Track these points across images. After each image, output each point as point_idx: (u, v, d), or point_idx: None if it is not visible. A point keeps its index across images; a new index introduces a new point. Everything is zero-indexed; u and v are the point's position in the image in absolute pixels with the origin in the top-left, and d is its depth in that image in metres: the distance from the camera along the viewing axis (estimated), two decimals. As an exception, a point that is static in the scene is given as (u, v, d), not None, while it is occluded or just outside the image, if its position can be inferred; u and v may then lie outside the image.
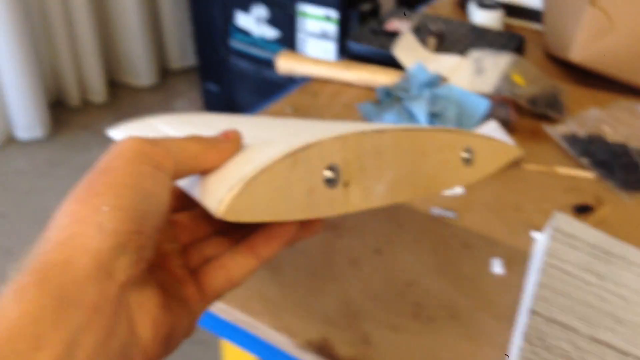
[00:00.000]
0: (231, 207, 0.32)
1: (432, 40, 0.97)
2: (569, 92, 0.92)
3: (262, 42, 2.29)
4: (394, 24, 1.02)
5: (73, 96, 2.59)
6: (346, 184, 0.37)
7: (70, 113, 2.60)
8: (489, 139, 0.47)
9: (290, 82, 2.32)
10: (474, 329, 0.56)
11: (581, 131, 0.81)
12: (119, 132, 0.50)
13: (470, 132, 0.45)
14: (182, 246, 0.38)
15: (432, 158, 0.42)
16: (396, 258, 0.64)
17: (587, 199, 0.73)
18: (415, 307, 0.59)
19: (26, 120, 2.36)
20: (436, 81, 0.86)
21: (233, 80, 2.43)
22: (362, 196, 0.38)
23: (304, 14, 2.13)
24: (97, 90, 2.64)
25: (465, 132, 0.44)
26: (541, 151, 0.81)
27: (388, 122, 0.84)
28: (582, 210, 0.71)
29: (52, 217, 0.30)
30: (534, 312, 0.53)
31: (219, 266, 0.37)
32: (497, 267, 0.63)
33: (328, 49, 2.15)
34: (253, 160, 0.34)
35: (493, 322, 0.57)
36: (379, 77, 0.91)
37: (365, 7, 2.09)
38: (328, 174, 0.35)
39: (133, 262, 0.29)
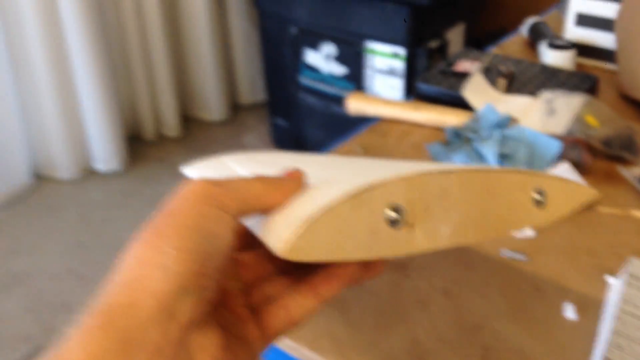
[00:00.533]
0: (293, 246, 0.32)
1: (502, 82, 0.97)
2: (645, 133, 0.90)
3: (331, 79, 2.33)
4: (463, 65, 1.03)
5: (149, 130, 2.70)
6: (410, 225, 0.37)
7: (145, 146, 2.71)
8: (562, 180, 0.46)
9: (359, 119, 2.35)
10: (546, 377, 0.56)
11: (658, 174, 0.79)
12: (192, 170, 0.52)
13: (542, 173, 0.45)
14: (245, 285, 0.39)
15: (501, 199, 0.42)
16: (464, 300, 0.64)
17: (665, 245, 0.71)
18: (484, 351, 0.58)
19: (105, 153, 2.48)
20: (506, 122, 0.86)
21: (301, 115, 2.48)
22: (427, 237, 0.38)
23: (372, 51, 2.16)
24: (172, 125, 2.75)
25: (537, 173, 0.44)
26: (616, 194, 0.80)
27: (457, 163, 0.84)
28: (659, 256, 0.69)
29: (120, 257, 0.31)
30: None
31: (280, 306, 0.37)
32: (570, 312, 0.62)
33: (395, 86, 2.17)
34: (316, 200, 0.35)
35: (565, 370, 0.56)
36: (448, 117, 0.91)
37: (433, 44, 2.11)
38: (391, 214, 0.36)
39: (195, 304, 0.30)
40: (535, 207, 0.44)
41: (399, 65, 2.13)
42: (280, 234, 0.34)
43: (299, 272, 0.40)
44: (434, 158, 0.87)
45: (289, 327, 0.38)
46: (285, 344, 0.61)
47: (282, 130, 2.60)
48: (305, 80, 2.40)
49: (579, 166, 0.81)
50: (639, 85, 0.92)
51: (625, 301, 0.57)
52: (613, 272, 0.67)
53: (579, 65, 1.13)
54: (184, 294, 0.29)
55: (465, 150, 0.84)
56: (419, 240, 0.37)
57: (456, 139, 0.88)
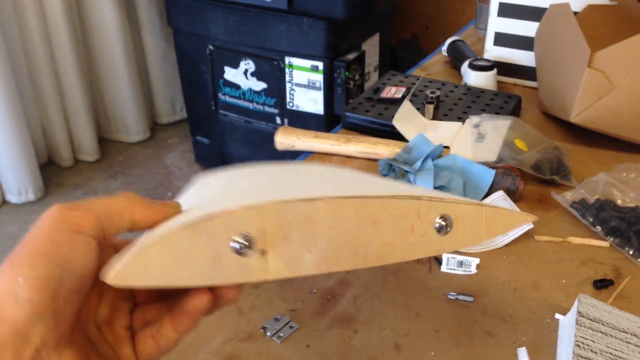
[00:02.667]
0: (118, 273, 0.34)
1: (429, 107, 0.96)
2: (570, 151, 0.91)
3: (251, 95, 2.29)
4: (389, 91, 1.01)
5: (64, 156, 2.57)
6: (263, 252, 0.37)
7: (62, 173, 2.57)
8: (481, 206, 0.44)
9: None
10: None
11: (591, 197, 0.80)
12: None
13: (453, 199, 0.43)
14: (135, 305, 0.41)
15: (385, 226, 0.40)
16: (417, 353, 0.62)
17: (605, 271, 0.72)
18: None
19: (17, 183, 2.34)
20: (439, 152, 0.85)
21: (223, 132, 2.43)
22: (286, 265, 0.38)
23: (291, 66, 2.13)
24: (88, 149, 2.62)
25: (443, 199, 0.42)
26: (552, 220, 0.80)
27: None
28: (601, 286, 0.69)
29: None
30: None
31: (149, 334, 0.39)
32: (523, 357, 0.61)
33: (317, 99, 2.15)
34: (161, 229, 0.36)
35: None
36: (380, 149, 0.90)
37: (350, 56, 2.10)
38: (237, 243, 0.36)
39: (50, 327, 0.32)
40: (438, 233, 0.42)
41: (319, 78, 2.12)
42: (116, 260, 0.34)
43: (173, 299, 0.40)
44: (370, 193, 0.85)
45: (158, 356, 0.39)
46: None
47: (204, 148, 2.54)
48: (225, 97, 2.35)
49: (513, 193, 0.81)
50: (563, 106, 0.93)
51: (579, 345, 0.56)
52: (561, 307, 0.66)
53: (500, 84, 1.14)
54: (38, 319, 0.31)
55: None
56: (275, 267, 0.37)
57: (391, 172, 0.86)
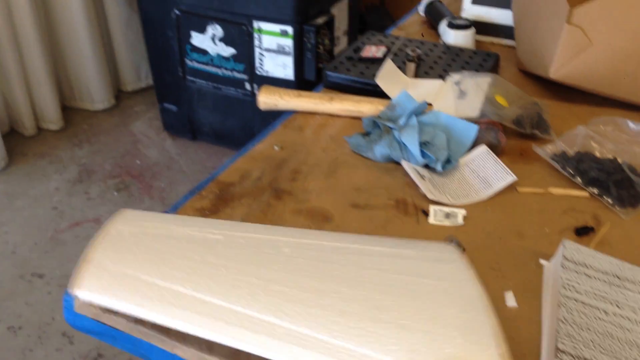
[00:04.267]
0: None
1: (411, 66, 0.97)
2: (548, 107, 0.93)
3: (219, 60, 2.26)
4: (369, 50, 1.02)
5: (27, 125, 2.51)
6: None
7: (25, 142, 2.51)
8: None
9: (250, 100, 2.28)
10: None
11: (570, 150, 0.82)
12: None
13: None
14: None
15: None
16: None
17: (586, 219, 0.74)
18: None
19: (-21, 155, 2.28)
20: (422, 108, 0.86)
21: (191, 99, 2.40)
22: None
23: (260, 31, 2.11)
24: (52, 117, 2.56)
25: None
26: (534, 172, 0.82)
27: (380, 154, 0.83)
28: (583, 233, 0.72)
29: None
30: (561, 351, 0.53)
31: None
32: (511, 300, 0.63)
33: (286, 64, 2.14)
34: None
35: (519, 363, 0.57)
36: (364, 107, 0.90)
37: (320, 20, 2.09)
38: None
39: None
40: None
41: (288, 43, 2.10)
42: None
43: None
44: (355, 150, 0.85)
45: None
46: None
47: (171, 115, 2.51)
48: (192, 63, 2.31)
49: (495, 148, 0.83)
50: (542, 63, 0.95)
51: (564, 287, 0.58)
52: (544, 254, 0.69)
53: (478, 43, 1.15)
54: None
55: (387, 141, 0.83)
56: None
57: (375, 129, 0.87)
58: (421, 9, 1.24)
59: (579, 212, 0.76)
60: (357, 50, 1.03)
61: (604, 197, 0.77)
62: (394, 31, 1.23)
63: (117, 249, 0.50)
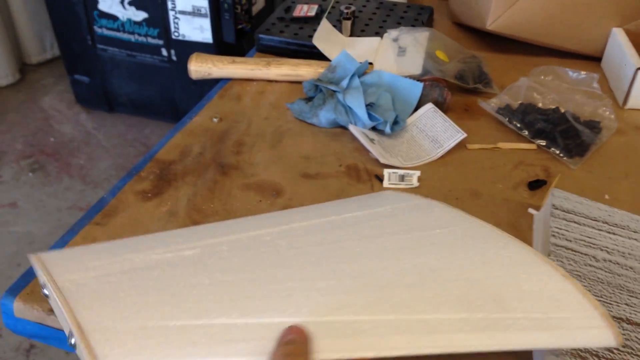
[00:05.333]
0: None
1: (347, 24, 0.93)
2: (487, 60, 0.92)
3: (131, 26, 2.14)
4: (301, 9, 0.97)
5: None
6: None
7: None
8: None
9: (169, 67, 2.18)
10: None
11: (514, 102, 0.82)
12: None
13: None
14: None
15: None
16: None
17: (537, 172, 0.74)
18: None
19: None
20: (364, 69, 0.83)
21: (103, 68, 2.27)
22: None
23: (173, -8, 2.01)
24: (-51, 99, 2.37)
25: None
26: (481, 128, 0.81)
27: (325, 120, 0.80)
28: (535, 186, 0.72)
29: None
30: None
31: None
32: (476, 262, 0.62)
33: (204, 26, 2.05)
34: None
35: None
36: (302, 70, 0.86)
37: (236, -23, 2.01)
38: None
39: None
40: None
41: (204, 4, 2.01)
42: None
43: None
44: (298, 116, 0.82)
45: None
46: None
47: (84, 87, 2.37)
48: (101, 29, 2.18)
49: (441, 105, 0.81)
50: (477, 15, 0.93)
51: (554, 235, 0.58)
52: (500, 211, 0.68)
53: (409, -5, 1.13)
54: None
55: (331, 105, 0.80)
56: None
57: (317, 93, 0.83)
58: (348, -37, 1.20)
59: (529, 165, 0.76)
60: (288, 10, 0.98)
61: (552, 148, 0.77)
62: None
63: (100, 306, 0.43)
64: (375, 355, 0.40)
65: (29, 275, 0.59)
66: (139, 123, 2.37)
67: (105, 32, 2.17)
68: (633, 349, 0.52)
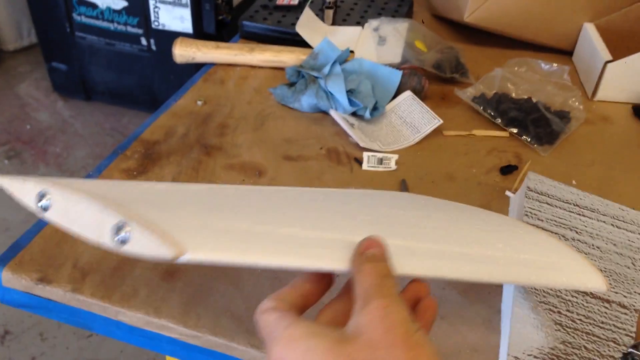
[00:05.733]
0: None
1: (329, 13, 0.95)
2: (463, 51, 0.95)
3: (110, 14, 2.13)
4: (285, -2, 0.99)
5: None
6: None
7: None
8: None
9: (149, 55, 2.18)
10: (446, 309, 0.58)
11: (489, 92, 0.85)
12: None
13: None
14: None
15: None
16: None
17: (509, 158, 0.78)
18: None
19: None
20: (345, 56, 0.86)
21: (81, 56, 2.26)
22: None
23: (154, -19, 2.01)
24: None
25: None
26: (456, 115, 0.84)
27: (307, 104, 0.82)
28: (507, 171, 0.75)
29: None
30: None
31: None
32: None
33: (184, 16, 2.06)
34: None
35: (466, 300, 0.59)
36: (285, 56, 0.88)
37: (218, -32, 2.02)
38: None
39: None
40: None
41: (185, -7, 2.01)
42: None
43: None
44: (280, 101, 0.84)
45: None
46: (184, 333, 0.56)
47: (61, 75, 2.36)
48: (80, 17, 2.17)
49: (419, 93, 0.84)
50: (456, 7, 0.96)
51: (527, 214, 0.61)
52: (473, 193, 0.71)
53: (390, -12, 1.15)
54: None
55: (313, 90, 0.82)
56: None
57: (300, 79, 0.85)
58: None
59: (502, 151, 0.79)
60: (272, -2, 1.00)
61: (524, 136, 0.80)
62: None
63: (160, 208, 0.42)
64: (429, 274, 0.44)
65: (17, 247, 0.61)
66: (116, 112, 2.37)
67: (84, 19, 2.17)
68: (595, 320, 0.56)
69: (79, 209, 0.40)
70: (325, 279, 0.43)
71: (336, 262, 0.41)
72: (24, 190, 0.43)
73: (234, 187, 0.53)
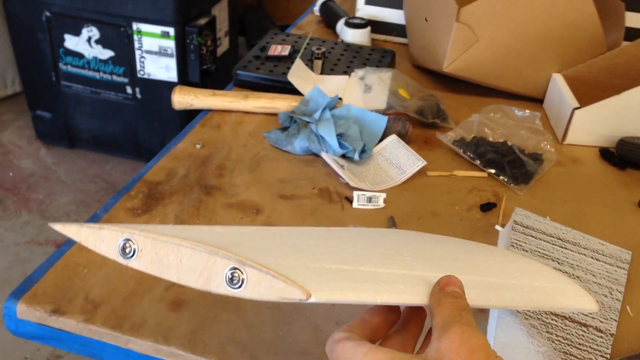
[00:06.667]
0: None
1: (318, 63, 1.02)
2: (444, 98, 1.02)
3: (97, 63, 2.19)
4: (275, 49, 1.06)
5: None
6: None
7: None
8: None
9: (133, 104, 2.22)
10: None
11: (468, 135, 0.92)
12: None
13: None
14: None
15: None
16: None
17: (488, 196, 0.83)
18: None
19: None
20: (334, 103, 0.92)
21: (67, 105, 2.30)
22: None
23: (140, 32, 2.08)
24: None
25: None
26: (439, 157, 0.90)
27: (300, 147, 0.88)
28: (487, 208, 0.81)
29: None
30: None
31: None
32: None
33: (170, 65, 2.12)
34: None
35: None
36: (278, 103, 0.94)
37: (202, 21, 2.10)
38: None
39: None
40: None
41: (170, 44, 2.08)
42: None
43: None
44: (274, 144, 0.89)
45: None
46: (188, 358, 0.59)
47: (45, 122, 2.39)
48: (67, 67, 2.22)
49: (403, 136, 0.90)
50: (435, 58, 1.04)
51: (513, 245, 0.66)
52: (457, 229, 0.77)
53: (373, 41, 1.23)
54: None
55: (305, 134, 0.88)
56: None
57: (292, 124, 0.91)
58: (316, 8, 1.30)
59: (481, 190, 0.85)
60: (264, 49, 1.07)
61: (501, 176, 0.86)
62: (293, 30, 1.28)
63: (256, 250, 0.42)
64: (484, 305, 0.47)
65: (30, 281, 0.64)
66: (100, 159, 2.40)
67: (70, 69, 2.22)
68: (572, 342, 0.61)
69: (179, 255, 0.39)
70: (393, 313, 0.45)
71: (418, 297, 0.43)
72: (100, 238, 0.41)
73: (282, 229, 0.54)
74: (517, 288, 0.51)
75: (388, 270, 0.45)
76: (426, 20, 1.04)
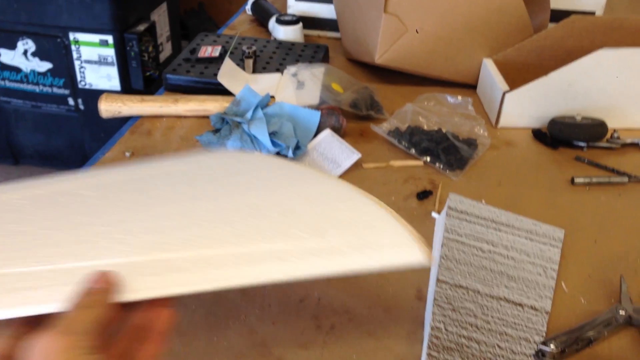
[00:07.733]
0: None
1: (249, 62, 1.01)
2: (377, 90, 1.02)
3: (35, 77, 2.14)
4: (206, 51, 1.04)
5: None
6: None
7: None
8: None
9: (76, 114, 2.18)
10: (372, 326, 0.62)
11: (403, 125, 0.92)
12: None
13: None
14: None
15: None
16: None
17: (424, 185, 0.83)
18: (315, 320, 0.63)
19: None
20: (266, 101, 0.91)
21: (7, 120, 2.24)
22: None
23: (78, 42, 2.03)
24: None
25: None
26: (374, 149, 0.90)
27: (232, 149, 0.86)
28: (423, 196, 0.81)
29: None
30: (440, 281, 0.62)
31: None
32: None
33: (111, 74, 2.08)
34: None
35: (388, 315, 0.63)
36: (209, 105, 0.93)
37: (141, 27, 2.06)
38: None
39: None
40: None
41: (110, 53, 2.04)
42: None
43: None
44: (207, 147, 0.88)
45: None
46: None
47: (-15, 140, 2.32)
48: (4, 82, 2.16)
49: (338, 130, 0.90)
50: (367, 50, 1.03)
51: (448, 230, 0.66)
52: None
53: (306, 37, 1.22)
54: None
55: (238, 135, 0.86)
56: None
57: (224, 125, 0.90)
58: (248, 7, 1.29)
59: (417, 179, 0.85)
60: (194, 51, 1.05)
61: (436, 163, 0.87)
62: (225, 31, 1.26)
63: None
64: (190, 290, 0.40)
65: None
66: (47, 174, 2.33)
67: (8, 84, 2.16)
68: (507, 322, 0.61)
69: None
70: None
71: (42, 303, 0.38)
72: None
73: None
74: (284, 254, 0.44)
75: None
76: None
